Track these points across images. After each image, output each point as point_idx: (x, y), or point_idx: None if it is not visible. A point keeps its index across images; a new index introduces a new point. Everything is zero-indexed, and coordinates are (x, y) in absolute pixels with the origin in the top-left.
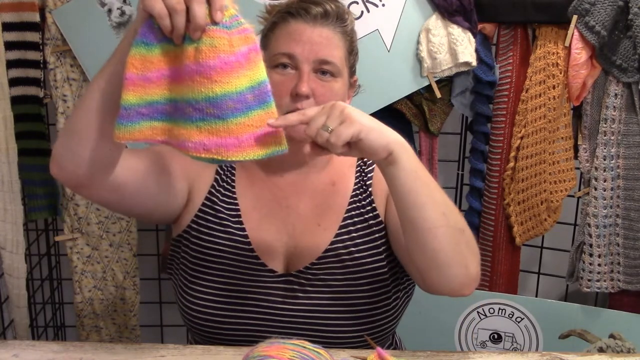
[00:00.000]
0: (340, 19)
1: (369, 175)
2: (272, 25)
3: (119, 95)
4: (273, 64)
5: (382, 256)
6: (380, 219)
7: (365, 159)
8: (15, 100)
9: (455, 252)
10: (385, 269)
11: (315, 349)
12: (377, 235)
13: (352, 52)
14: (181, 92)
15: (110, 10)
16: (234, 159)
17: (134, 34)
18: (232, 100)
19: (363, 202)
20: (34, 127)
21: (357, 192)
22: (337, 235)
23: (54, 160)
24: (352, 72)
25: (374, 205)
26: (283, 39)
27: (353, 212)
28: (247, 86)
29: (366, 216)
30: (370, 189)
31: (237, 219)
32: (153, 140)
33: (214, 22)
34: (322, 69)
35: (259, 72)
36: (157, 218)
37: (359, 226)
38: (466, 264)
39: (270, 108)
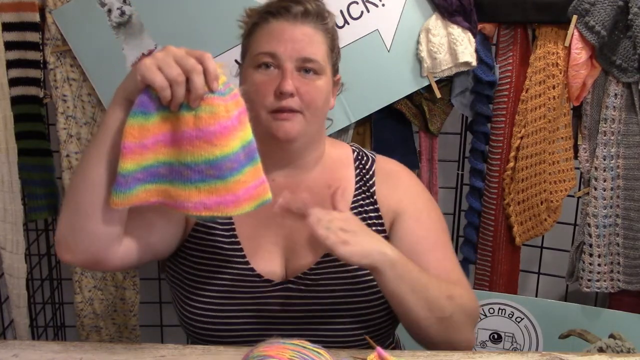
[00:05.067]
0: (320, 16)
1: (371, 182)
2: (253, 26)
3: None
4: (256, 64)
5: None
6: (385, 234)
7: (364, 163)
8: (15, 100)
9: (443, 337)
10: None
11: (315, 349)
12: None
13: (333, 49)
14: (177, 155)
15: (110, 10)
16: (232, 214)
17: (123, 101)
18: (230, 161)
19: (366, 208)
20: (34, 127)
21: (360, 197)
22: None
23: (62, 247)
24: (335, 70)
25: (379, 213)
26: (265, 38)
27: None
28: (240, 146)
29: (369, 222)
30: (375, 197)
31: (231, 232)
32: (147, 203)
33: (211, 91)
34: (305, 67)
35: (248, 132)
36: (170, 250)
37: None
38: (454, 344)
39: (257, 163)
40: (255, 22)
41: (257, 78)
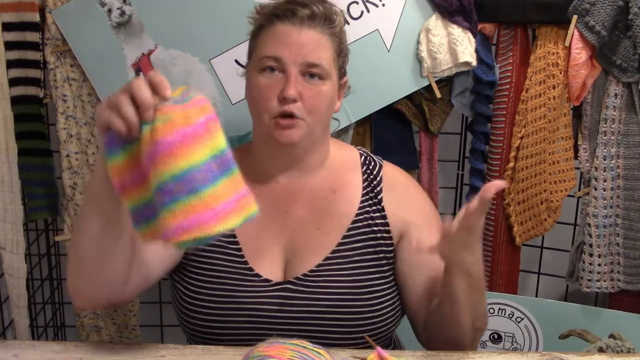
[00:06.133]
0: (328, 20)
1: (378, 188)
2: (259, 28)
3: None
4: (260, 68)
5: (386, 274)
6: (392, 241)
7: (372, 168)
8: (15, 100)
9: (465, 344)
10: (387, 283)
11: (315, 349)
12: (383, 254)
13: (341, 53)
14: (151, 184)
15: (110, 10)
16: (215, 232)
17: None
18: (199, 172)
19: (373, 215)
20: (34, 127)
21: (366, 203)
22: (340, 244)
23: (75, 298)
24: (341, 73)
25: (387, 221)
26: (269, 41)
27: (360, 223)
28: (210, 155)
29: (374, 228)
30: (382, 204)
31: (231, 232)
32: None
33: (164, 100)
34: (310, 72)
35: (220, 141)
36: (176, 264)
37: (364, 237)
38: (457, 346)
39: (235, 174)
40: (261, 24)
41: (261, 82)
